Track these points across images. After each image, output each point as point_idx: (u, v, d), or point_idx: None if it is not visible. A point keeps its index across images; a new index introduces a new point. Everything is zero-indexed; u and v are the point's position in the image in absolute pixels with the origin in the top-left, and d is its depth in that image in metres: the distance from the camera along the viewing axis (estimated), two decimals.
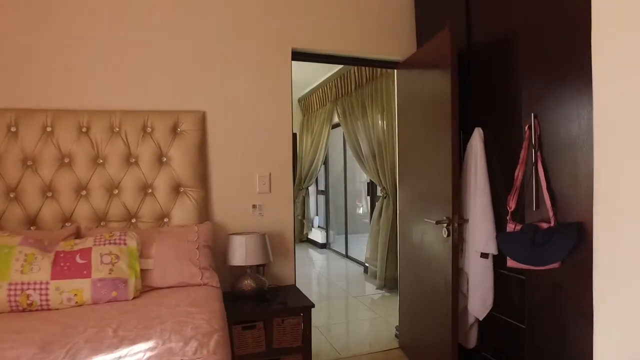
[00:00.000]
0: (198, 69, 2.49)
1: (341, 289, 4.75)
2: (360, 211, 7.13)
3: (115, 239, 2.00)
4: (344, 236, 6.43)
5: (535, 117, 1.86)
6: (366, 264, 5.06)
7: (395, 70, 3.08)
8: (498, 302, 2.20)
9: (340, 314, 3.92)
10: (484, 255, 2.16)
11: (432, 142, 2.43)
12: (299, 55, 2.75)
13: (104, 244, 1.96)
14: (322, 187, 7.44)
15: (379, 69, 4.56)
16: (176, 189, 2.40)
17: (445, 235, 2.19)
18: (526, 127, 1.89)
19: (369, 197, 5.52)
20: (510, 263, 1.83)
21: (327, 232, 7.13)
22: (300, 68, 5.88)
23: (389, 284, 4.44)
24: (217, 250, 2.44)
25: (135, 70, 2.39)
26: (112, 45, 2.35)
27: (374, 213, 4.77)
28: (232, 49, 2.55)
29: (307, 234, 7.66)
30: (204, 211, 2.45)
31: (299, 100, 7.77)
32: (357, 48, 2.83)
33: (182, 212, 2.39)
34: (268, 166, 2.62)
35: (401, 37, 2.91)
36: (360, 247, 5.88)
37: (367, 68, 4.84)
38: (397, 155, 3.08)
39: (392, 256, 4.42)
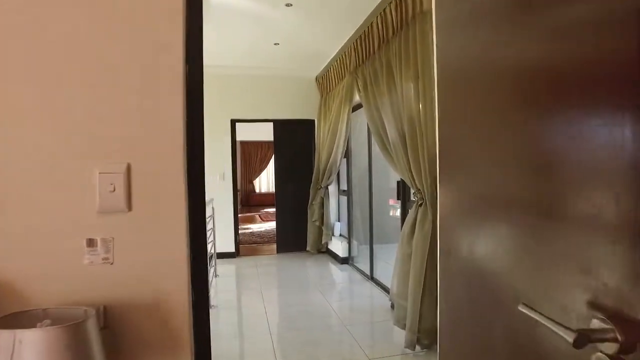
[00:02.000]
0: None
1: (355, 342, 3.19)
2: (397, 213, 5.48)
3: None
4: (369, 249, 4.85)
5: None
6: (392, 302, 3.48)
7: None
8: None
9: None
10: None
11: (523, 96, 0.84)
12: None
13: None
14: (344, 186, 5.91)
15: (410, 10, 2.97)
16: None
17: None
18: None
19: (399, 202, 3.95)
20: None
21: (349, 243, 5.60)
22: (316, 33, 4.32)
23: (425, 338, 2.88)
24: None
25: None
26: None
27: (403, 227, 3.19)
28: None
29: (326, 243, 6.19)
30: None
31: (316, 79, 6.27)
32: None
33: None
34: (125, 152, 1.14)
35: None
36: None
37: (393, 12, 3.25)
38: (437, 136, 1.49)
39: (430, 297, 2.83)
